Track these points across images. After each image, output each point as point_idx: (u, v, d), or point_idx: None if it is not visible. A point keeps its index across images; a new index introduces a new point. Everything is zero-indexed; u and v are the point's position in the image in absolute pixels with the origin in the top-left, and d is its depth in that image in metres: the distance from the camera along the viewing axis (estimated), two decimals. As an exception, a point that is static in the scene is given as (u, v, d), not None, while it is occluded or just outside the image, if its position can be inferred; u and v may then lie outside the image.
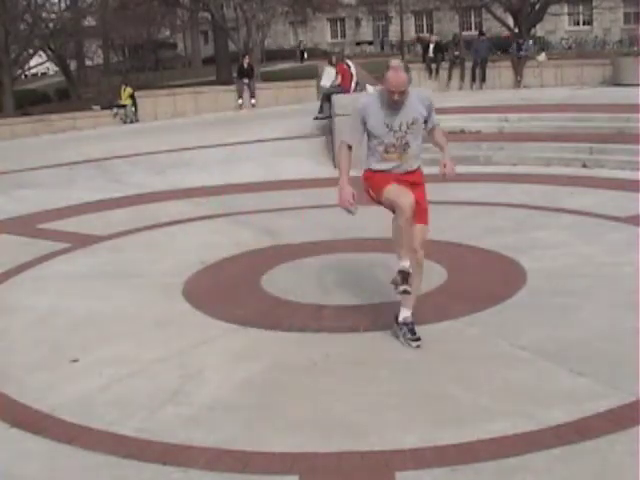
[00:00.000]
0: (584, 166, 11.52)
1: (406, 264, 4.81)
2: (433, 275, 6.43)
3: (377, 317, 5.53)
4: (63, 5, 33.20)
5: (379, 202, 4.93)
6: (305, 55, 26.44)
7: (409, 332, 4.96)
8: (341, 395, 4.33)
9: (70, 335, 5.57)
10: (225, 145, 14.48)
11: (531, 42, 25.35)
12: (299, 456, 3.72)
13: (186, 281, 6.72)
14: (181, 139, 15.75)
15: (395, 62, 4.75)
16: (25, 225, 9.50)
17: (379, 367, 4.69)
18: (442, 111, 15.78)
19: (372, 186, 4.93)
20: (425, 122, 4.91)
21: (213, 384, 4.58)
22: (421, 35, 22.48)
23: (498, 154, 12.55)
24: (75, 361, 5.05)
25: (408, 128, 4.80)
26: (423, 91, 5.14)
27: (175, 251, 7.86)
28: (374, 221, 8.48)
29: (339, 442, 3.80)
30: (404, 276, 4.80)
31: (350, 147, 4.95)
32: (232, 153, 13.80)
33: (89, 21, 33.41)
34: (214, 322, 5.67)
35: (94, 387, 4.61)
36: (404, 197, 4.71)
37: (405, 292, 4.84)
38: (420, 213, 4.89)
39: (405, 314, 5.00)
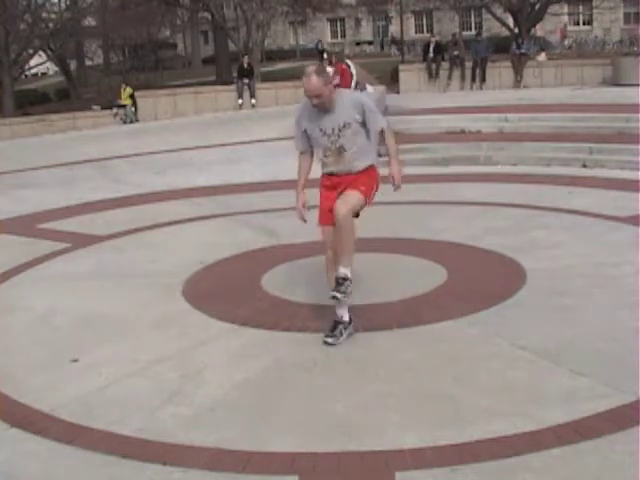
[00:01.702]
0: (584, 166, 11.53)
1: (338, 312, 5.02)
2: (433, 275, 6.44)
3: (377, 317, 5.53)
4: (63, 5, 33.19)
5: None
6: (325, 55, 26.28)
7: (335, 285, 4.99)
8: (341, 395, 4.33)
9: (70, 335, 5.57)
10: (225, 145, 14.50)
11: (533, 43, 25.42)
12: (299, 456, 3.72)
13: (186, 281, 6.72)
14: (181, 139, 15.77)
15: (309, 69, 4.81)
16: (25, 225, 9.51)
17: (379, 367, 4.69)
18: (442, 111, 15.86)
19: (320, 196, 5.09)
20: (364, 125, 4.89)
21: (213, 384, 4.58)
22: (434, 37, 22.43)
23: (498, 154, 12.55)
24: (75, 361, 5.05)
25: (340, 131, 4.84)
26: (359, 95, 5.16)
27: (175, 251, 7.86)
28: (373, 221, 8.50)
29: (339, 442, 3.80)
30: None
31: (303, 153, 5.11)
32: (232, 153, 13.81)
33: (89, 21, 33.42)
34: (214, 322, 5.67)
35: (94, 387, 4.61)
36: (329, 248, 5.00)
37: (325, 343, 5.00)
38: (349, 187, 4.94)
39: (338, 270, 5.01)
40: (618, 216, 8.08)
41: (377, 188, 5.06)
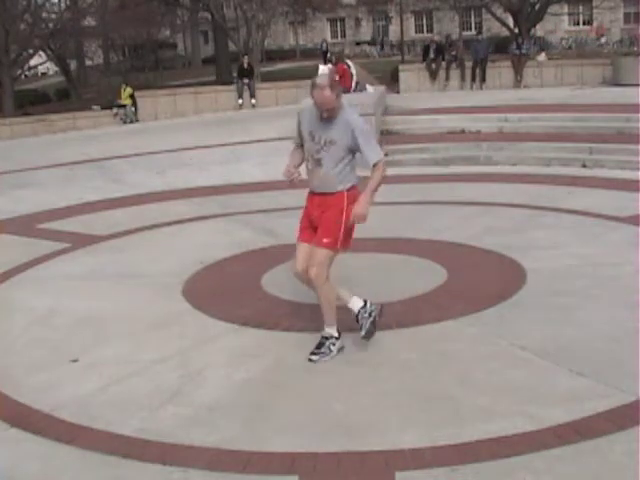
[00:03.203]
0: (584, 166, 11.53)
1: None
2: (433, 275, 6.44)
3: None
4: (63, 5, 33.18)
5: None
6: (329, 55, 26.12)
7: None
8: (341, 395, 4.33)
9: (70, 335, 5.57)
10: (225, 145, 14.49)
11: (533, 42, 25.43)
12: (299, 456, 3.72)
13: (186, 281, 6.72)
14: (181, 139, 15.75)
15: (322, 81, 4.57)
16: (25, 225, 9.51)
17: (379, 367, 4.69)
18: (442, 111, 15.85)
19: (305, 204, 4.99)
20: (351, 151, 4.70)
21: (213, 384, 4.58)
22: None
23: (498, 154, 12.55)
24: (75, 361, 5.05)
25: (325, 145, 4.68)
26: (355, 119, 4.69)
27: (175, 251, 7.86)
28: (373, 221, 8.50)
29: (339, 442, 3.81)
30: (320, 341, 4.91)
31: (296, 147, 4.99)
32: (232, 153, 13.80)
33: (89, 21, 33.38)
34: (214, 322, 5.67)
35: (94, 387, 4.62)
36: (297, 263, 4.87)
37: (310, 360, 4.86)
38: (315, 234, 4.81)
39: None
40: (618, 216, 8.08)
41: (347, 219, 4.77)
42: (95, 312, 6.03)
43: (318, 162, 4.75)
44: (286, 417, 4.12)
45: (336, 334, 4.93)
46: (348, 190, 4.80)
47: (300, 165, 5.00)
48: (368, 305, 4.96)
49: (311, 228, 4.88)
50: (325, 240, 4.76)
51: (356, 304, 4.94)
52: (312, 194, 4.92)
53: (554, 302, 5.65)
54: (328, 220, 4.78)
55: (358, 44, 52.11)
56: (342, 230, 4.79)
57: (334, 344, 4.90)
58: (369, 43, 50.39)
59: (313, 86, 4.59)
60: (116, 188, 11.85)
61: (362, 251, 7.30)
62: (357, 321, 4.91)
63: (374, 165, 4.70)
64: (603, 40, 21.23)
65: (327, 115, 4.65)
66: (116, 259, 7.73)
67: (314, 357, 4.85)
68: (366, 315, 4.90)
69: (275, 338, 5.30)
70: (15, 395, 4.56)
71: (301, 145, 4.95)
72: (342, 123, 4.67)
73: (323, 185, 4.80)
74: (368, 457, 3.67)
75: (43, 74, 49.89)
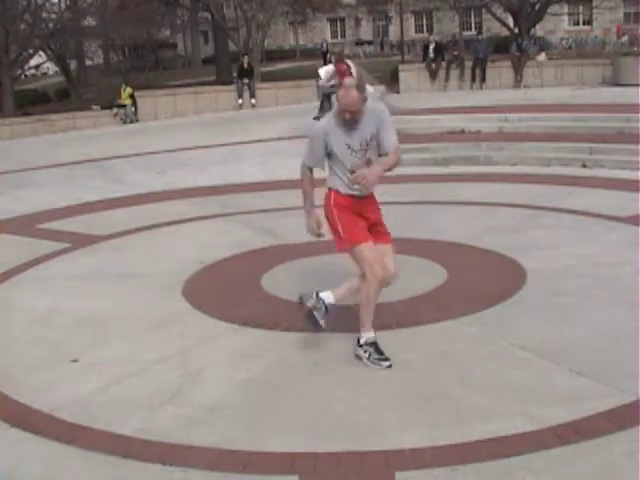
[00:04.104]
0: (584, 166, 11.52)
1: (372, 334, 4.73)
2: (433, 275, 6.44)
3: (376, 317, 5.51)
4: (63, 5, 33.18)
5: (343, 244, 4.64)
6: (329, 55, 26.06)
7: (375, 352, 4.72)
8: (341, 395, 4.33)
9: (70, 335, 5.57)
10: (225, 145, 14.50)
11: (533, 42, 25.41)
12: (299, 456, 3.72)
13: (186, 281, 6.72)
14: (181, 139, 15.76)
15: (348, 81, 4.31)
16: (25, 225, 9.51)
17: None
18: (442, 111, 15.85)
19: (340, 217, 4.64)
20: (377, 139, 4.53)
21: (213, 384, 4.58)
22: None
23: (498, 154, 12.54)
24: (75, 361, 5.05)
25: (367, 145, 4.52)
26: (380, 106, 4.62)
27: (175, 251, 7.86)
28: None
29: (339, 442, 3.80)
30: (376, 347, 4.71)
31: (312, 170, 4.73)
32: (232, 153, 13.81)
33: (89, 21, 33.38)
34: (214, 322, 5.67)
35: (94, 387, 4.61)
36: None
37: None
38: (382, 233, 4.79)
39: (369, 334, 4.78)
40: (618, 216, 8.08)
41: None
42: (95, 312, 6.03)
43: (369, 162, 4.54)
44: (286, 417, 4.12)
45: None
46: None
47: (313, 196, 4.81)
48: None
49: (366, 227, 4.68)
50: (389, 237, 4.83)
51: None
52: (352, 198, 4.62)
53: (554, 302, 5.65)
54: (381, 218, 4.81)
55: (357, 44, 52.13)
56: None
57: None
58: (357, 43, 50.47)
59: (339, 86, 4.34)
60: (116, 188, 11.85)
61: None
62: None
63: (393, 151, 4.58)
64: (624, 39, 21.30)
65: (349, 117, 4.40)
66: (116, 259, 7.73)
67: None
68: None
69: (275, 338, 5.30)
70: (15, 395, 4.56)
71: (317, 167, 4.71)
72: (371, 114, 4.48)
73: (374, 184, 4.54)
74: (368, 457, 3.67)
75: (44, 74, 49.86)
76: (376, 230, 4.75)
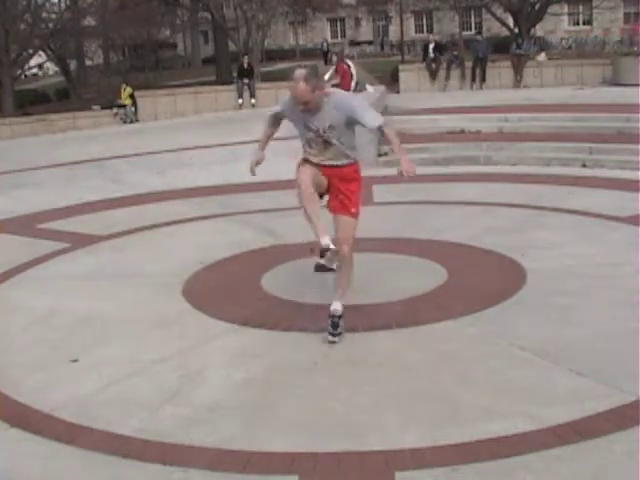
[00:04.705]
0: (584, 166, 11.52)
1: (323, 241, 4.83)
2: (433, 275, 6.44)
3: (377, 317, 5.53)
4: (63, 5, 33.18)
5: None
6: (329, 56, 26.01)
7: (330, 326, 5.04)
8: (341, 395, 4.33)
9: (70, 335, 5.57)
10: (225, 145, 14.49)
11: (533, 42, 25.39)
12: (299, 456, 3.72)
13: (186, 281, 6.72)
14: (181, 139, 15.75)
15: (298, 73, 4.69)
16: (25, 225, 9.50)
17: (379, 367, 4.69)
18: (442, 111, 15.85)
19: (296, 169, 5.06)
20: (351, 125, 4.88)
21: (213, 384, 4.58)
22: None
23: (498, 154, 12.54)
24: (75, 361, 5.05)
25: (326, 131, 4.86)
26: (346, 99, 4.93)
27: (175, 251, 7.86)
28: (374, 221, 8.50)
29: (339, 442, 3.80)
30: (321, 252, 4.93)
31: (276, 120, 5.24)
32: (232, 153, 13.79)
33: (89, 21, 33.38)
34: (214, 322, 5.67)
35: (94, 387, 4.61)
36: (303, 173, 4.88)
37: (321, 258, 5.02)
38: (342, 204, 5.02)
39: (332, 306, 5.08)
40: (618, 216, 8.08)
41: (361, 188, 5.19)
42: (95, 312, 6.03)
43: (326, 143, 4.90)
44: (286, 417, 4.12)
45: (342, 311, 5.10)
46: (356, 160, 5.08)
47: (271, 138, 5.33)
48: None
49: (316, 173, 4.96)
50: (353, 210, 5.03)
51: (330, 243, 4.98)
52: (321, 166, 5.00)
53: (554, 302, 5.65)
54: (352, 192, 5.05)
55: (353, 44, 52.12)
56: (361, 199, 5.12)
57: (343, 322, 5.08)
58: (351, 43, 50.43)
59: (292, 78, 4.72)
60: (116, 188, 11.84)
61: (362, 251, 7.30)
62: (334, 325, 5.04)
63: (379, 128, 4.87)
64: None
65: (303, 108, 4.75)
66: (116, 259, 7.73)
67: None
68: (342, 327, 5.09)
69: (275, 338, 5.30)
70: (15, 395, 4.56)
71: (277, 126, 5.24)
72: (335, 107, 4.79)
73: (335, 159, 4.98)
74: (368, 457, 3.67)
75: (43, 74, 49.86)
76: (340, 197, 5.02)
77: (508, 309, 5.59)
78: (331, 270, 5.24)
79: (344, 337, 5.15)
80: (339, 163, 5.00)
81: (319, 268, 5.31)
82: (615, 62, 20.64)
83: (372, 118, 4.87)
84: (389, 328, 5.25)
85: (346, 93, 5.08)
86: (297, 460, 3.69)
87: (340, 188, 5.04)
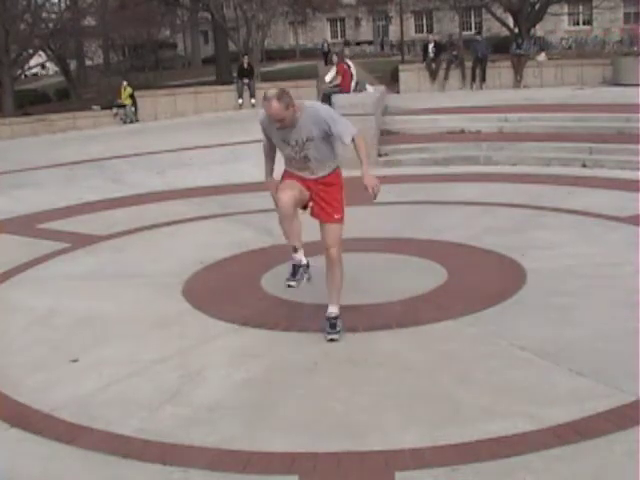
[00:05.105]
0: (584, 166, 11.52)
1: (296, 257, 5.06)
2: (433, 275, 6.44)
3: (376, 317, 5.53)
4: (63, 5, 33.18)
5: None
6: (329, 56, 26.02)
7: (329, 327, 5.12)
8: (341, 395, 4.33)
9: (70, 335, 5.57)
10: (225, 145, 14.49)
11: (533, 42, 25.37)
12: (299, 456, 3.72)
13: (186, 281, 6.72)
14: (181, 139, 15.76)
15: (270, 92, 4.79)
16: (25, 225, 9.50)
17: (379, 367, 4.69)
18: (442, 111, 15.85)
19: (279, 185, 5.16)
20: (328, 136, 4.94)
21: (213, 384, 4.58)
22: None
23: (498, 154, 12.54)
24: (75, 361, 5.05)
25: (304, 144, 4.95)
26: (320, 111, 4.96)
27: (175, 251, 7.86)
28: (374, 221, 8.50)
29: (339, 442, 3.80)
30: (293, 269, 5.11)
31: (268, 154, 5.27)
32: (232, 153, 13.80)
33: (89, 21, 33.37)
34: (214, 322, 5.67)
35: (94, 387, 4.61)
36: (283, 192, 4.93)
37: (289, 286, 5.15)
38: (324, 211, 5.10)
39: (329, 309, 5.18)
40: (618, 216, 8.08)
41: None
42: (95, 312, 6.03)
43: (305, 158, 5.01)
44: (286, 417, 4.12)
45: (338, 313, 5.18)
46: (336, 172, 5.16)
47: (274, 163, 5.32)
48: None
49: (300, 184, 5.06)
50: (337, 216, 5.10)
51: (303, 258, 5.14)
52: (303, 179, 5.11)
53: (554, 302, 5.65)
54: (334, 198, 5.12)
55: (346, 44, 52.06)
56: (344, 203, 5.17)
57: (341, 320, 5.16)
58: (346, 44, 50.35)
59: (264, 98, 4.79)
60: (116, 188, 11.84)
61: (362, 251, 7.31)
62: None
63: (352, 141, 4.92)
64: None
65: (279, 125, 4.86)
66: (116, 259, 7.73)
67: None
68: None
69: (275, 338, 5.30)
70: (15, 395, 4.56)
71: (271, 151, 5.25)
72: (310, 120, 4.89)
73: (317, 172, 5.08)
74: (368, 457, 3.67)
75: (43, 74, 49.86)
76: (323, 205, 5.10)
77: (508, 309, 5.59)
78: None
79: (344, 337, 5.15)
80: (320, 175, 5.09)
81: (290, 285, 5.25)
82: (615, 62, 20.63)
83: (344, 131, 4.89)
84: (389, 328, 5.26)
85: (318, 105, 5.16)
86: (297, 460, 3.69)
87: (321, 195, 5.11)
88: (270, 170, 5.31)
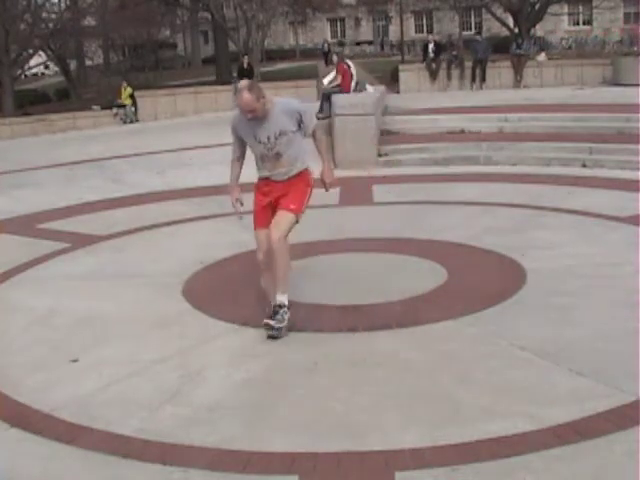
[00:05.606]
0: (584, 166, 11.53)
1: (279, 298, 5.12)
2: (433, 275, 6.44)
3: (376, 317, 5.53)
4: (63, 5, 33.18)
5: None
6: (330, 56, 26.01)
7: (272, 313, 5.14)
8: (341, 395, 4.33)
9: (70, 335, 5.57)
10: (225, 145, 14.42)
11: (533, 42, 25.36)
12: (299, 456, 3.72)
13: (186, 281, 6.72)
14: (181, 139, 15.76)
15: (241, 84, 4.94)
16: (25, 225, 9.50)
17: (379, 367, 4.69)
18: (442, 111, 15.85)
19: (254, 200, 5.34)
20: (299, 130, 5.11)
21: (213, 384, 4.58)
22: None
23: (498, 154, 12.54)
24: (75, 361, 5.05)
25: (276, 140, 5.04)
26: (292, 103, 5.20)
27: (175, 251, 7.86)
28: (373, 221, 8.50)
29: (339, 442, 3.80)
30: (274, 308, 5.14)
31: (235, 160, 5.37)
32: (232, 153, 13.79)
33: (89, 21, 33.38)
34: (214, 322, 5.67)
35: (94, 387, 4.61)
36: (259, 252, 5.20)
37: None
38: (283, 201, 5.18)
39: (277, 298, 5.17)
40: (618, 216, 8.08)
41: (311, 192, 5.31)
42: (95, 312, 6.03)
43: (277, 155, 5.10)
44: (286, 417, 4.12)
45: (287, 303, 5.18)
46: (305, 170, 5.28)
47: (239, 179, 5.43)
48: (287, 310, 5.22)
49: (268, 214, 5.21)
50: (292, 206, 5.16)
51: (286, 299, 5.18)
52: (273, 182, 5.23)
53: (554, 302, 5.65)
54: (297, 189, 5.20)
55: (341, 44, 52.14)
56: (307, 198, 5.26)
57: (286, 313, 5.15)
58: (340, 44, 50.46)
59: (236, 91, 4.96)
60: (116, 188, 11.84)
61: (362, 251, 7.33)
62: (274, 313, 5.13)
63: (313, 133, 5.20)
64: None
65: (250, 117, 4.95)
66: (116, 259, 7.73)
67: (276, 324, 5.08)
68: (286, 317, 5.16)
69: (275, 338, 5.29)
70: (15, 395, 4.56)
71: (241, 157, 5.34)
72: (283, 112, 5.02)
73: (288, 171, 5.17)
74: (368, 457, 3.67)
75: (43, 74, 49.86)
76: (282, 199, 5.20)
77: (508, 309, 5.59)
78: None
79: (344, 337, 5.15)
80: (292, 174, 5.19)
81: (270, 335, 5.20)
82: (615, 62, 20.64)
83: (310, 123, 5.14)
84: (389, 328, 5.25)
85: (289, 99, 5.33)
86: (297, 460, 3.68)
87: (286, 190, 5.20)
88: (236, 176, 5.41)
